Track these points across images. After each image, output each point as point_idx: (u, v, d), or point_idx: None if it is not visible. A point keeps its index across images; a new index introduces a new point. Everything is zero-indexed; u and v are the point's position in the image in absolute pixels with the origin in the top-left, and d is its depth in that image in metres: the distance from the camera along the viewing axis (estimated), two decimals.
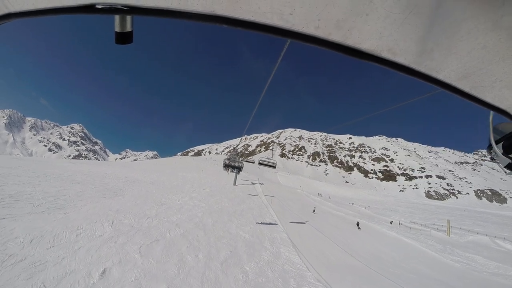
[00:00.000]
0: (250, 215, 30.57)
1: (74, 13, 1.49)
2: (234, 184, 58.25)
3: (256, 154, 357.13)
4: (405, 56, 1.59)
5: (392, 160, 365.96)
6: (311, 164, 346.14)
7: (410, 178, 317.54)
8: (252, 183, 68.57)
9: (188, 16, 1.46)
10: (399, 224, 56.67)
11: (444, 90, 1.79)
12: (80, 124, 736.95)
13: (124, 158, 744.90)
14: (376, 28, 1.47)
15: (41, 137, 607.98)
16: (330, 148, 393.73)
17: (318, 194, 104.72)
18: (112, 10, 1.43)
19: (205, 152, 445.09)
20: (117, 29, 1.69)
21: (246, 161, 49.32)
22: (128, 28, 1.71)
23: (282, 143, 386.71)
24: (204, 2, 1.42)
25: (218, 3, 1.43)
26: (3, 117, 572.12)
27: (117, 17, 1.65)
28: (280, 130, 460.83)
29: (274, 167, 34.21)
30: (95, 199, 25.27)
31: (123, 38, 1.74)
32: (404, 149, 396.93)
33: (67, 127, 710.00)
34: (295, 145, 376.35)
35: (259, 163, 34.69)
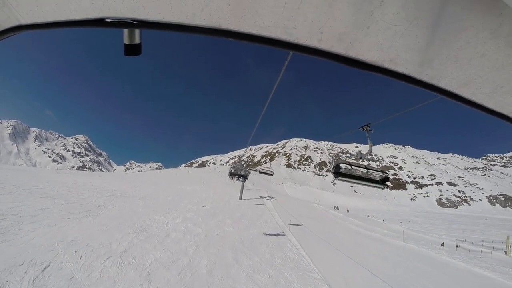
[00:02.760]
0: (265, 249, 21.74)
1: (83, 26, 1.59)
2: (240, 198, 50.69)
3: (261, 164, 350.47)
4: (406, 66, 1.69)
5: (400, 168, 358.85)
6: (318, 174, 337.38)
7: (420, 186, 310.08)
8: (261, 197, 60.38)
9: (195, 30, 1.58)
10: (456, 246, 46.58)
11: (446, 97, 1.87)
12: (85, 135, 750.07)
13: (128, 169, 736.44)
14: (377, 40, 1.59)
15: (46, 148, 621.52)
16: (337, 158, 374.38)
17: (334, 207, 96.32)
18: (121, 24, 1.53)
19: (209, 163, 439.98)
20: (126, 41, 1.72)
21: (262, 172, 40.60)
22: (137, 40, 1.74)
23: (287, 153, 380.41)
24: (210, 17, 1.55)
25: (224, 18, 1.55)
26: (8, 127, 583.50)
27: (126, 30, 1.69)
28: (286, 140, 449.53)
29: (271, 175, 36.94)
30: (55, 220, 20.11)
31: (132, 50, 1.77)
32: (412, 156, 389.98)
33: (72, 138, 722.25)
34: (301, 155, 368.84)
35: (259, 172, 36.86)
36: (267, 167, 39.12)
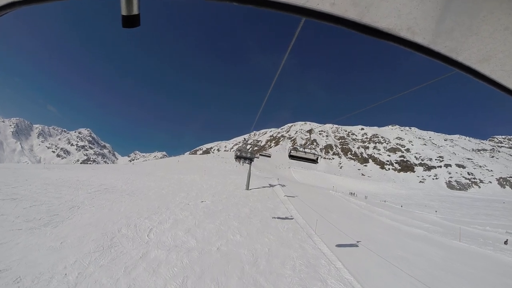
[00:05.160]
0: (291, 273, 14.57)
1: None
2: (247, 188, 43.61)
3: (266, 149, 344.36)
4: (424, 35, 1.55)
5: (408, 150, 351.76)
6: (324, 158, 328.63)
7: (429, 168, 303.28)
8: (271, 185, 51.86)
9: None
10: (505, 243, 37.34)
11: (463, 72, 1.71)
12: (88, 129, 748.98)
13: (133, 160, 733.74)
14: (395, 6, 1.43)
15: (49, 144, 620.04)
16: (343, 140, 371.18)
17: (351, 193, 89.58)
18: None
19: (213, 150, 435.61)
20: (124, 12, 1.63)
21: (262, 155, 45.39)
22: (135, 10, 1.64)
23: (292, 137, 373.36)
24: None
25: None
26: (10, 125, 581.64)
27: (123, 0, 1.59)
28: (290, 124, 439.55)
29: (269, 156, 43.42)
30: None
31: (130, 21, 1.69)
32: (419, 138, 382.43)
33: (75, 132, 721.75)
34: (306, 138, 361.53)
35: (260, 155, 42.35)
36: (265, 151, 45.75)
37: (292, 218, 27.45)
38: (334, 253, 18.16)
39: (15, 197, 24.76)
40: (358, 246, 21.28)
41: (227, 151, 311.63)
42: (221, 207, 29.02)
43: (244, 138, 59.51)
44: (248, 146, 49.47)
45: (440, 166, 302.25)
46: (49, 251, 14.67)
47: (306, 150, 22.28)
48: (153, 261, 14.36)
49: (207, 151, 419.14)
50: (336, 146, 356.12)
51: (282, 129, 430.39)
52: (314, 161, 22.03)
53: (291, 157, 21.92)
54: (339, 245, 20.22)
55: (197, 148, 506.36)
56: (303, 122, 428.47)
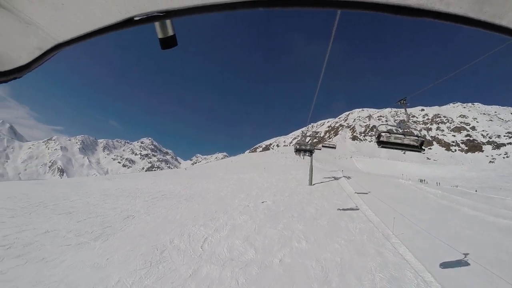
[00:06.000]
0: None
1: (115, 30, 1.57)
2: (311, 183, 41.19)
3: (326, 140, 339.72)
4: (460, 4, 1.36)
5: (473, 128, 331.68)
6: None
7: (498, 146, 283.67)
8: (335, 178, 47.90)
9: (227, 6, 1.40)
10: None
11: (510, 37, 1.51)
12: (150, 138, 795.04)
13: (195, 163, 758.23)
14: None
15: (115, 155, 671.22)
16: (377, 129, 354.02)
17: (421, 180, 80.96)
18: (150, 19, 1.48)
19: (272, 146, 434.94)
20: (160, 35, 1.71)
21: (325, 147, 41.69)
22: (170, 32, 1.71)
23: (351, 125, 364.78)
24: None
25: None
26: (77, 143, 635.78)
27: (157, 24, 1.67)
28: (347, 112, 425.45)
29: (334, 148, 39.73)
30: (48, 250, 16.20)
31: (167, 42, 1.76)
32: (484, 113, 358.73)
33: (137, 142, 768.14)
34: (365, 125, 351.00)
35: (322, 146, 39.01)
36: (329, 141, 42.10)
37: (363, 216, 24.07)
38: (420, 260, 14.97)
39: (71, 210, 24.96)
40: (445, 247, 17.63)
41: (287, 146, 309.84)
42: (284, 207, 26.67)
43: (302, 131, 58.84)
44: (307, 139, 46.42)
45: (510, 143, 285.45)
46: (93, 269, 13.89)
47: (406, 130, 15.66)
48: (203, 280, 12.47)
49: (266, 148, 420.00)
50: (397, 130, 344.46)
51: (339, 118, 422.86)
52: (417, 149, 14.69)
53: (381, 144, 15.08)
54: (423, 250, 16.60)
55: (256, 146, 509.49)
56: (360, 109, 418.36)
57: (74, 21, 1.51)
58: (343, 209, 26.20)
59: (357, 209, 26.20)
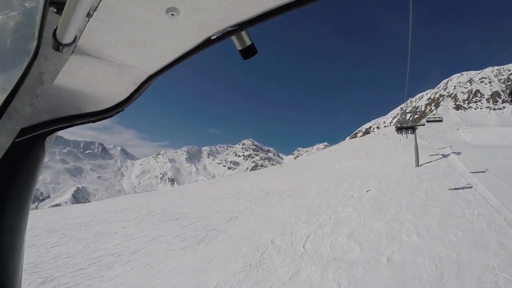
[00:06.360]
0: None
1: (196, 52, 1.66)
2: (417, 165, 37.13)
3: (427, 114, 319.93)
4: None
5: None
6: (494, 109, 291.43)
7: None
8: (444, 156, 42.15)
9: (294, 4, 1.35)
10: None
11: None
12: (250, 139, 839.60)
13: (297, 157, 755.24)
14: None
15: (219, 160, 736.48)
16: (510, 83, 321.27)
17: None
18: (225, 35, 1.54)
19: (373, 129, 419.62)
20: (238, 47, 1.75)
21: (429, 121, 42.93)
22: (247, 42, 1.74)
23: (452, 93, 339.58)
24: None
25: None
26: (183, 153, 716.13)
27: (233, 38, 1.71)
28: (445, 80, 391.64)
29: (441, 121, 39.56)
30: (153, 256, 17.78)
31: (247, 52, 1.78)
32: None
33: (239, 144, 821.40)
34: (468, 91, 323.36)
35: (426, 121, 39.04)
36: (433, 115, 40.75)
37: (481, 198, 20.22)
38: None
39: (178, 216, 26.75)
40: None
41: (387, 126, 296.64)
42: (390, 195, 24.34)
43: (401, 108, 57.45)
44: (408, 115, 45.62)
45: None
46: (194, 273, 14.51)
47: None
48: (303, 284, 11.74)
49: (366, 132, 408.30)
50: (504, 91, 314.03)
51: (438, 88, 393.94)
52: None
53: None
54: None
55: (356, 131, 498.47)
56: (459, 74, 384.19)
57: (158, 54, 1.68)
58: (456, 191, 22.66)
59: (473, 190, 22.57)
